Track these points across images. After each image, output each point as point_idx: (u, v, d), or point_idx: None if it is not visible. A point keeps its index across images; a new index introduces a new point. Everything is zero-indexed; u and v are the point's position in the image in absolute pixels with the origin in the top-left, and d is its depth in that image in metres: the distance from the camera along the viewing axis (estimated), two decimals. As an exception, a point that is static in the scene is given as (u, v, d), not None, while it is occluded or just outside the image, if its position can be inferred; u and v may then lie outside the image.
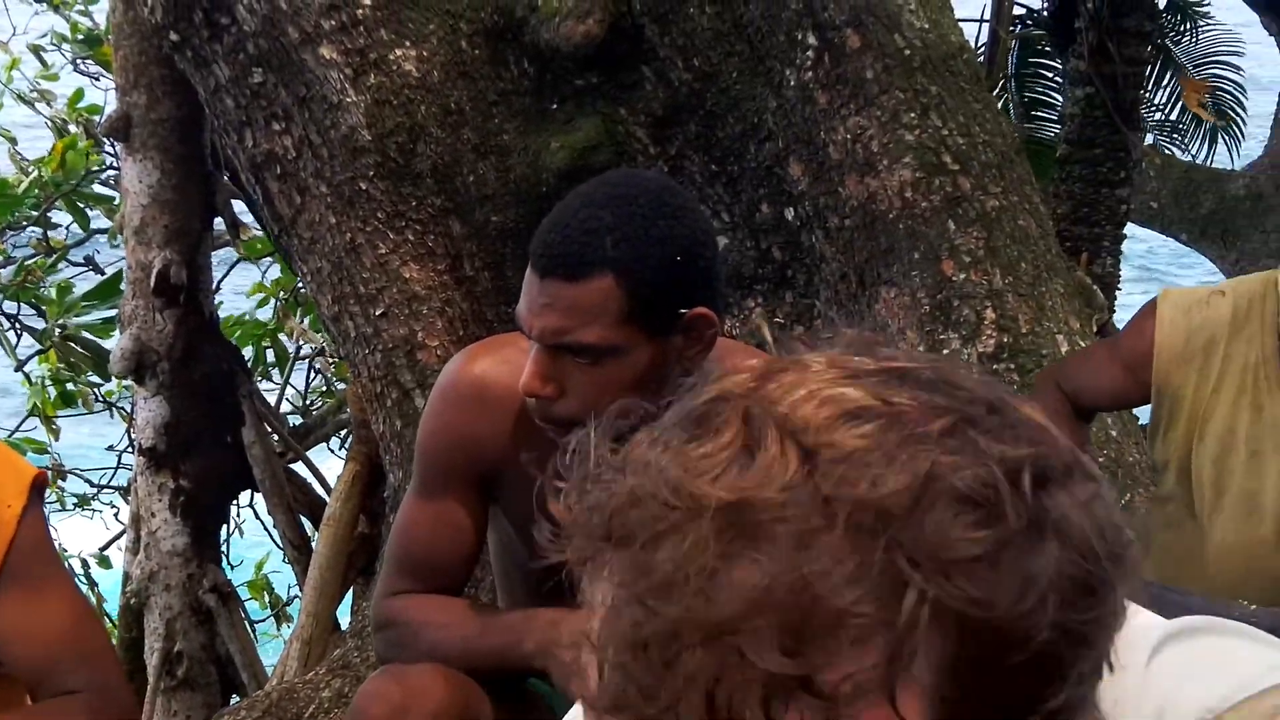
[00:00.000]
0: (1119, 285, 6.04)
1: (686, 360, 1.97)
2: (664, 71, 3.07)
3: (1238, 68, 8.27)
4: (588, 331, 1.89)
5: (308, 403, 6.04)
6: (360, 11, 3.03)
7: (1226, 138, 8.42)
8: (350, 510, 4.02)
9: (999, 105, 7.71)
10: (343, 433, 5.38)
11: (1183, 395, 2.40)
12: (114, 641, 3.96)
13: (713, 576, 0.72)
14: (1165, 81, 8.01)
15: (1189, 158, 8.44)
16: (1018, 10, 5.99)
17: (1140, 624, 0.94)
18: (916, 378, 0.79)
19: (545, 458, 2.31)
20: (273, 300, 5.44)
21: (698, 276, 1.94)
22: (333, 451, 5.76)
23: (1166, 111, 8.31)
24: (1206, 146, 8.49)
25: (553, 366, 1.92)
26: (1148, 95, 7.66)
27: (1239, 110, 8.32)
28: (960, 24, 3.36)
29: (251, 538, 5.61)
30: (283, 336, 5.46)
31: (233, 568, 4.78)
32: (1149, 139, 8.34)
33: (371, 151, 3.04)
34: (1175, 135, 8.43)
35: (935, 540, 0.72)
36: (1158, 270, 14.56)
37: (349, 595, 3.98)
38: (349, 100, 3.03)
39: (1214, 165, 8.46)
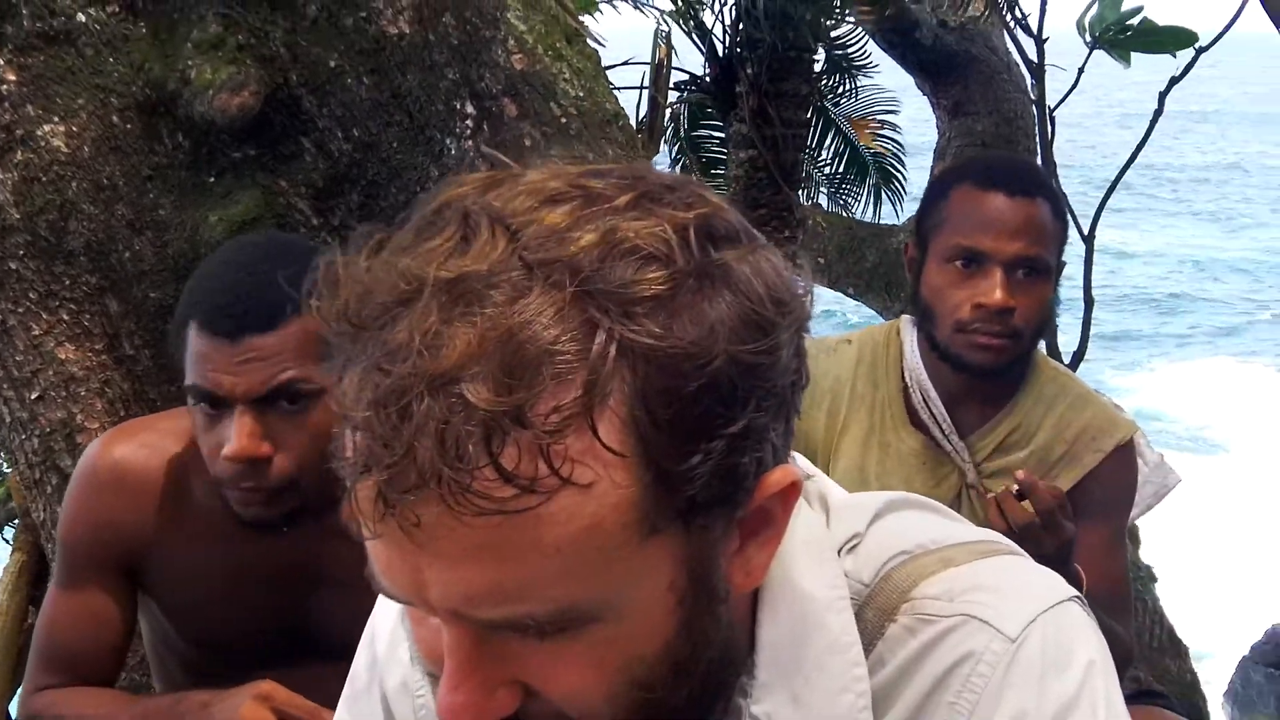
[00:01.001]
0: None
1: None
2: (323, 142, 3.07)
3: (896, 126, 8.74)
4: (298, 371, 1.91)
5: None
6: (4, 87, 2.94)
7: (889, 195, 8.88)
8: (18, 602, 3.85)
9: (677, 168, 7.96)
10: (15, 521, 5.14)
11: (814, 438, 2.56)
12: None
13: (436, 337, 0.84)
14: (829, 141, 8.41)
15: (858, 214, 8.86)
16: (684, 76, 6.19)
17: (865, 502, 1.16)
18: (611, 172, 0.95)
19: (190, 541, 2.31)
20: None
21: None
22: (5, 541, 5.49)
23: (833, 170, 8.72)
24: (872, 206, 8.93)
25: (261, 425, 1.91)
26: (813, 154, 8.00)
27: (899, 167, 8.79)
28: (619, 91, 3.47)
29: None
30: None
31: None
32: (822, 198, 8.73)
33: (20, 230, 2.94)
34: (842, 191, 8.84)
35: (618, 287, 0.86)
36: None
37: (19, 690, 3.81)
38: (-5, 178, 2.93)
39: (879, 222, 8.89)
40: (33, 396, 2.98)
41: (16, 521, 4.55)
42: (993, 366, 2.46)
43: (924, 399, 2.52)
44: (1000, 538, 1.18)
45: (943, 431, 2.50)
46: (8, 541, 5.44)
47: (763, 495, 0.96)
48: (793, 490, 0.99)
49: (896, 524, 1.16)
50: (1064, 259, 2.51)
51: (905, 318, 2.61)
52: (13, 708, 3.81)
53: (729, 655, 1.04)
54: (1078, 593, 1.13)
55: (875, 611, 1.10)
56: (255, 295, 1.90)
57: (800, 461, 1.15)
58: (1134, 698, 2.71)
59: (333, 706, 1.96)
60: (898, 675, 1.08)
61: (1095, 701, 1.06)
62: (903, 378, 2.56)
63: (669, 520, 0.90)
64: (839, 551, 1.12)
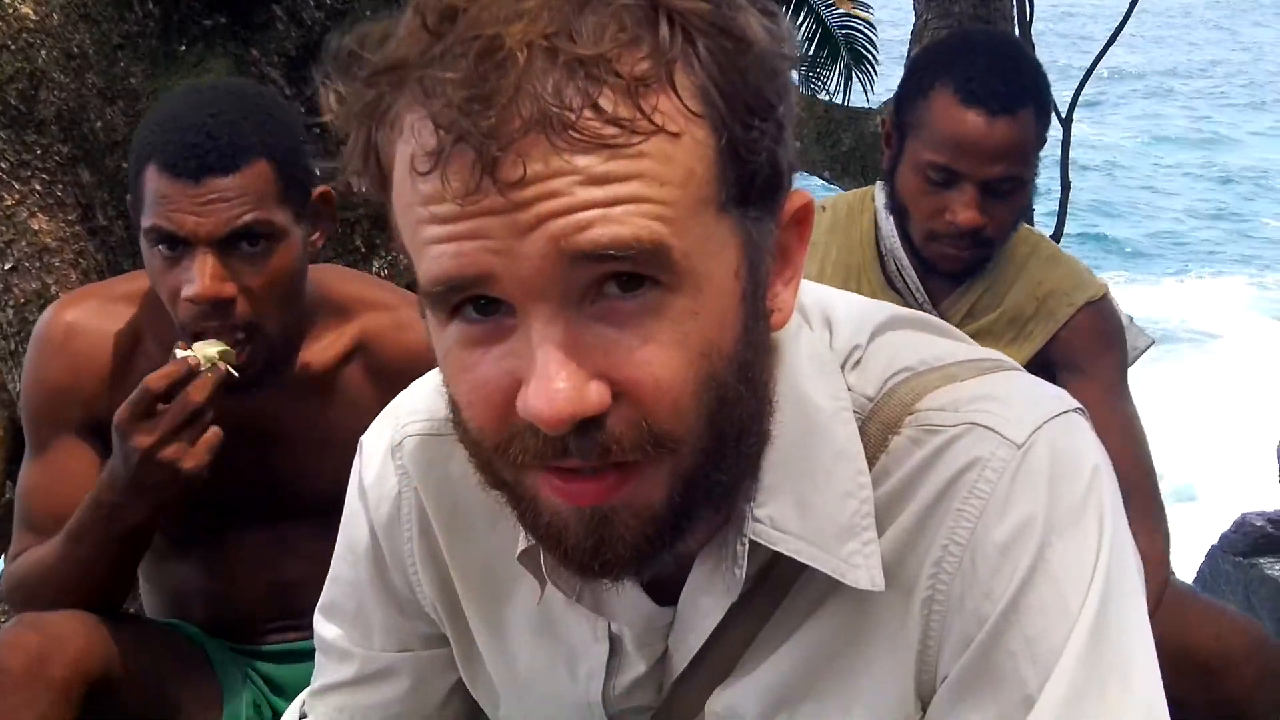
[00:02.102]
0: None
1: (312, 247, 2.05)
2: (295, 10, 3.04)
3: (868, 5, 8.69)
4: (262, 210, 1.93)
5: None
6: (-31, -47, 2.89)
7: (860, 76, 8.83)
8: (-5, 475, 3.86)
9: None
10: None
11: None
12: None
13: (521, 3, 0.90)
14: (799, 22, 8.36)
15: (828, 97, 8.82)
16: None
17: (866, 316, 1.18)
18: None
19: None
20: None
21: (311, 158, 2.03)
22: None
23: (805, 50, 8.67)
24: (843, 88, 8.89)
25: (224, 268, 1.91)
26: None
27: (870, 48, 8.74)
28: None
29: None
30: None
31: None
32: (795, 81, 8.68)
33: (-10, 100, 2.91)
34: (814, 73, 8.80)
35: None
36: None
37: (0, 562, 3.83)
38: (-38, 47, 2.90)
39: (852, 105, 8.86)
40: (6, 267, 2.97)
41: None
42: (961, 272, 2.48)
43: (898, 269, 2.53)
44: (1001, 355, 1.19)
45: (917, 301, 2.51)
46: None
47: (788, 214, 1.02)
48: (806, 218, 1.05)
49: (898, 340, 1.17)
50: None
51: (878, 185, 2.59)
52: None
53: (766, 407, 1.06)
54: (1080, 406, 1.14)
55: (879, 425, 1.11)
56: (218, 136, 1.90)
57: (807, 284, 1.17)
58: None
59: (307, 563, 2.00)
60: (903, 485, 1.10)
61: (1102, 508, 1.08)
62: (877, 245, 2.56)
63: (733, 200, 0.96)
64: (842, 366, 1.14)
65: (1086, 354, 2.51)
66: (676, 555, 1.08)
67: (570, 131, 0.89)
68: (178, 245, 1.91)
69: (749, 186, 0.97)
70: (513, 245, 0.91)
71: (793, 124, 1.00)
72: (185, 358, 1.89)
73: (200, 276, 1.89)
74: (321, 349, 2.15)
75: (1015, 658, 1.06)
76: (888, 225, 2.53)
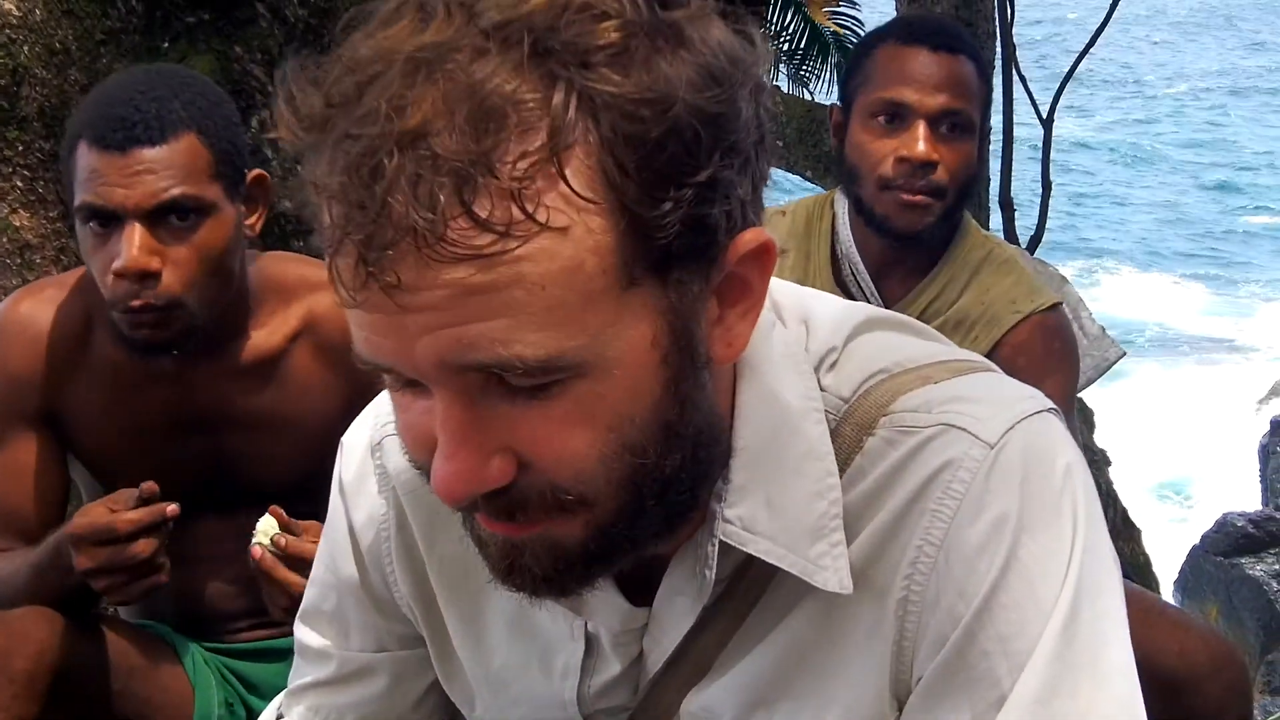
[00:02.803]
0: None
1: (249, 230, 2.05)
2: (279, 7, 3.04)
3: (855, 4, 8.70)
4: (188, 187, 1.93)
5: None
6: (-48, -52, 2.88)
7: (849, 72, 8.84)
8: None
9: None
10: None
11: None
12: None
13: (401, 99, 0.86)
14: (788, 20, 8.37)
15: (822, 98, 8.82)
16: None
17: (843, 317, 1.17)
18: None
19: (95, 389, 2.30)
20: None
21: (246, 141, 2.04)
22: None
23: (794, 45, 8.68)
24: (832, 86, 8.89)
25: (151, 239, 1.92)
26: (774, 32, 7.95)
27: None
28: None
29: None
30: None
31: None
32: (782, 79, 8.68)
33: (-29, 95, 2.91)
34: (803, 71, 8.80)
35: (574, 40, 0.88)
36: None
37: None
38: (-56, 42, 2.89)
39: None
40: (-13, 264, 2.96)
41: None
42: (917, 230, 2.44)
43: (852, 271, 2.51)
44: (978, 356, 1.20)
45: (869, 302, 2.49)
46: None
47: (736, 256, 0.98)
48: (766, 254, 1.00)
49: (875, 342, 1.17)
50: (989, 124, 2.50)
51: (839, 189, 2.59)
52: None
53: (715, 434, 1.06)
54: (1055, 406, 1.14)
55: (853, 426, 1.11)
56: (145, 109, 1.91)
57: (786, 285, 1.17)
58: None
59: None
60: (877, 486, 1.10)
61: (1076, 506, 1.08)
62: (833, 247, 2.56)
63: (646, 272, 0.92)
64: (817, 368, 1.14)
65: (1030, 368, 2.39)
66: (651, 557, 1.09)
67: (441, 244, 0.86)
68: (109, 221, 1.92)
69: (664, 257, 0.93)
70: (406, 347, 0.90)
71: (746, 164, 0.96)
72: (252, 549, 1.93)
73: (128, 247, 1.89)
74: (268, 333, 2.15)
75: (989, 656, 1.06)
76: (844, 229, 2.53)
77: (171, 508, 1.88)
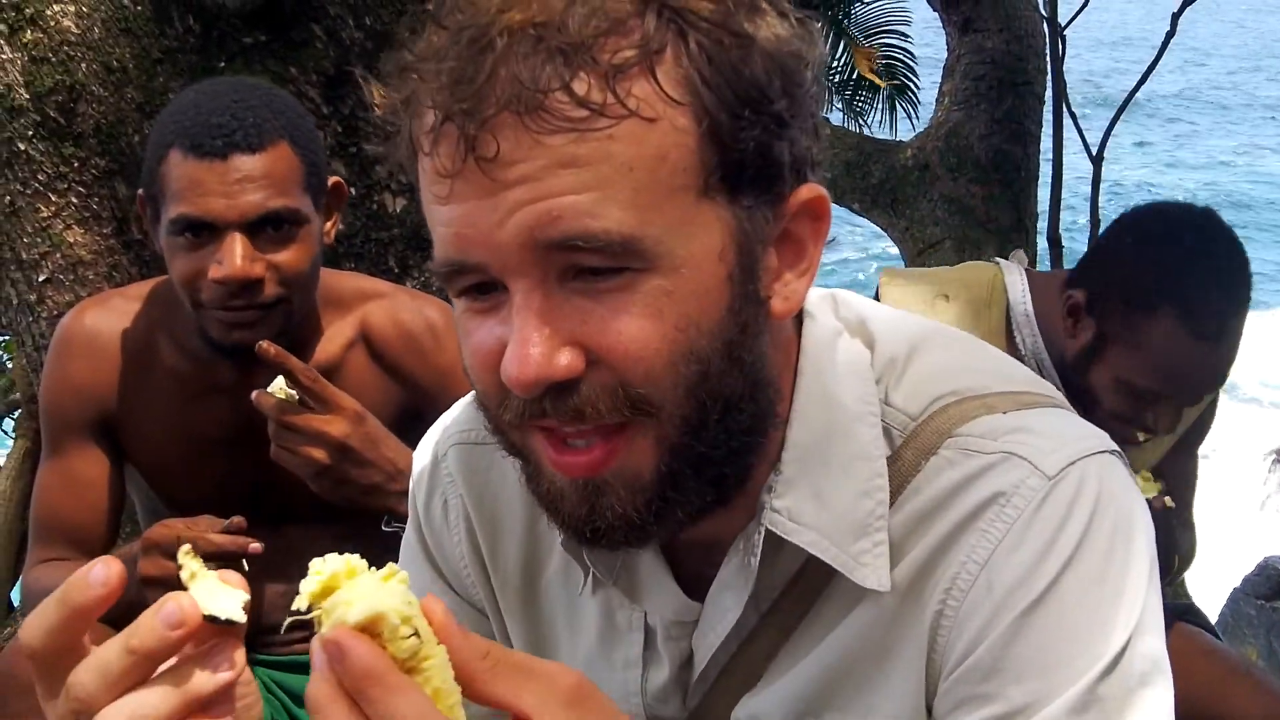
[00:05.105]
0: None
1: (326, 237, 2.09)
2: (335, 30, 3.04)
3: (906, 35, 8.66)
4: (288, 197, 1.97)
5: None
6: (12, -34, 2.91)
7: (905, 106, 8.80)
8: (21, 489, 3.89)
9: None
10: (16, 413, 5.16)
11: None
12: None
13: (512, 2, 0.97)
14: (839, 54, 8.35)
15: (875, 129, 8.78)
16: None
17: (901, 328, 1.22)
18: None
19: (157, 401, 2.31)
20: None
21: (324, 151, 2.07)
22: (6, 434, 5.52)
23: (844, 77, 8.65)
24: (887, 115, 8.86)
25: (253, 249, 1.94)
26: (826, 65, 7.91)
27: (911, 76, 8.71)
28: None
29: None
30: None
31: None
32: (835, 114, 8.66)
33: (29, 111, 2.92)
34: (855, 104, 8.77)
35: None
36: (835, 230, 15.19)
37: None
38: (4, 58, 2.91)
39: (890, 137, 8.82)
40: (40, 279, 2.98)
41: (18, 413, 4.57)
42: None
43: (1038, 367, 2.33)
44: (1046, 387, 1.22)
45: None
46: (8, 434, 5.47)
47: (797, 204, 1.05)
48: (821, 209, 1.07)
49: (941, 360, 1.20)
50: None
51: (1004, 264, 2.42)
52: (17, 592, 3.84)
53: (770, 395, 1.09)
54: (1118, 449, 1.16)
55: (915, 449, 1.15)
56: (241, 116, 1.94)
57: (850, 294, 1.23)
58: (1179, 615, 2.58)
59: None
60: (934, 504, 1.13)
61: (1129, 548, 1.09)
62: (1011, 337, 2.36)
63: (720, 185, 1.00)
64: (880, 378, 1.18)
65: None
66: (705, 551, 1.15)
67: (540, 112, 0.94)
68: (202, 231, 1.93)
69: (737, 174, 1.00)
70: (493, 234, 0.97)
71: (807, 122, 1.04)
72: (261, 393, 1.94)
73: (230, 257, 1.91)
74: (327, 342, 2.19)
75: (1005, 677, 1.07)
76: (1027, 325, 2.36)
77: (254, 545, 1.86)
